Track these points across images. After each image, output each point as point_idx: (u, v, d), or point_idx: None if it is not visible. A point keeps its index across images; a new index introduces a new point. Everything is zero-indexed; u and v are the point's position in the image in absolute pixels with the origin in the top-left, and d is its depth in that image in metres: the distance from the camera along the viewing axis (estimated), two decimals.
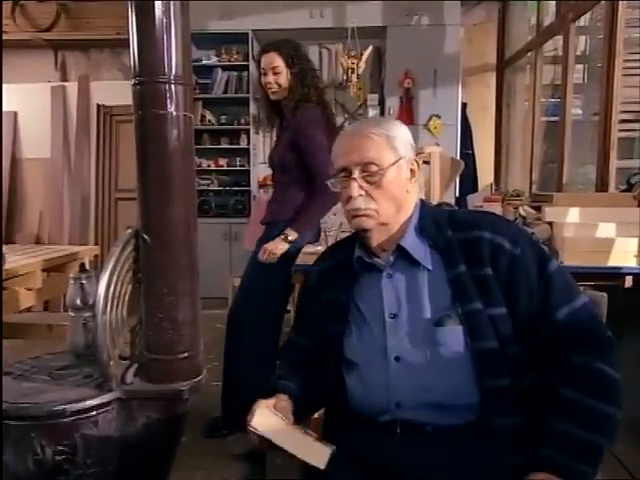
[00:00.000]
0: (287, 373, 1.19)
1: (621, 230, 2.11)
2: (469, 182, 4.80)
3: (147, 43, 1.30)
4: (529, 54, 4.63)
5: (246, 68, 4.97)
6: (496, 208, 2.62)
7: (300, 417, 1.11)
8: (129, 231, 1.39)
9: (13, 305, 2.45)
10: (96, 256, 3.35)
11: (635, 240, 2.07)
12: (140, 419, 1.36)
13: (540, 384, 1.02)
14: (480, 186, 4.94)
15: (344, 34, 4.41)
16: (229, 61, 5.02)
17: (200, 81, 4.97)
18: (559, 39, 3.95)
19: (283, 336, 2.33)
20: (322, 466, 0.98)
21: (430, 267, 1.10)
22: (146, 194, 1.35)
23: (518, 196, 3.08)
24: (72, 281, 1.51)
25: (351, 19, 4.53)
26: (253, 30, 4.83)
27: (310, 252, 2.15)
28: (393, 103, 4.74)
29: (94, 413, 1.30)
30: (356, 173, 1.10)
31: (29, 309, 2.81)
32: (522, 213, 2.43)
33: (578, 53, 4.89)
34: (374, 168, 1.09)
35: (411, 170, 1.15)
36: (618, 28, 2.93)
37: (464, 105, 4.92)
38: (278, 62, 2.22)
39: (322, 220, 2.43)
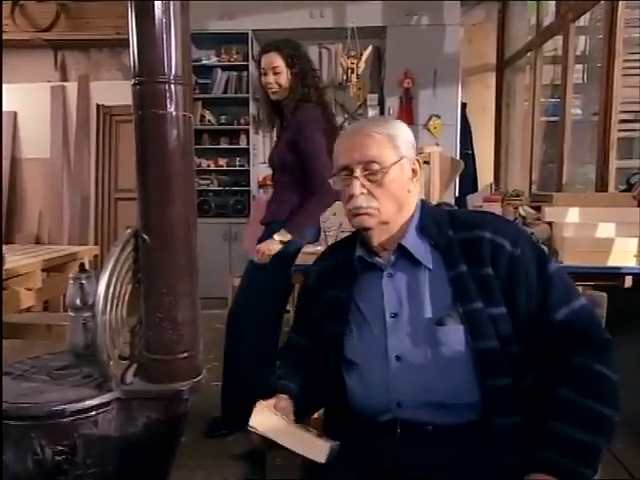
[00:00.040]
0: (287, 373, 1.19)
1: (621, 230, 2.11)
2: (469, 182, 4.80)
3: (147, 43, 1.30)
4: (529, 54, 4.64)
5: (246, 68, 4.97)
6: (496, 208, 2.62)
7: (300, 417, 1.11)
8: (129, 231, 1.39)
9: (13, 305, 2.44)
10: (96, 256, 3.35)
11: (635, 240, 2.07)
12: (140, 419, 1.36)
13: (539, 384, 1.02)
14: (480, 186, 4.94)
15: (344, 34, 4.41)
16: (229, 61, 5.02)
17: (200, 81, 4.98)
18: (559, 39, 3.95)
19: (283, 336, 2.33)
20: (322, 460, 0.98)
21: (431, 266, 1.10)
22: (146, 194, 1.35)
23: (518, 196, 3.08)
24: (72, 281, 1.51)
25: (351, 19, 4.53)
26: (253, 30, 4.83)
27: (310, 252, 2.15)
28: (393, 103, 4.74)
29: (94, 413, 1.30)
30: (358, 172, 1.10)
31: (29, 309, 2.81)
32: (522, 213, 2.43)
33: (578, 53, 4.89)
34: (376, 167, 1.09)
35: (413, 170, 1.15)
36: (618, 28, 2.94)
37: (464, 105, 4.92)
38: (278, 62, 2.22)
39: (322, 220, 2.44)
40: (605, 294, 1.21)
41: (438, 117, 4.69)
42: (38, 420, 1.26)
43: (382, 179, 1.10)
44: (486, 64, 5.21)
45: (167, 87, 1.31)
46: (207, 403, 2.30)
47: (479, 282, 1.05)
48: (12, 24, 4.97)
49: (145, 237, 1.35)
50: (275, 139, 2.48)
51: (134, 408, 1.35)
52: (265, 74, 2.26)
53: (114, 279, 1.33)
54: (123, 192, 5.00)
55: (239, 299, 2.32)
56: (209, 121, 5.09)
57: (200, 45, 4.96)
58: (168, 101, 1.31)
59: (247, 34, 4.84)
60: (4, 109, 4.57)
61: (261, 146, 5.31)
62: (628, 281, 2.04)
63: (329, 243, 2.09)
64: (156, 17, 1.28)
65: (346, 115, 5.11)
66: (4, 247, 2.56)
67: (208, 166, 5.11)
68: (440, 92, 4.67)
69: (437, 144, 3.53)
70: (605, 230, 2.13)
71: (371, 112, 4.87)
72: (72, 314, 1.50)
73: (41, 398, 1.30)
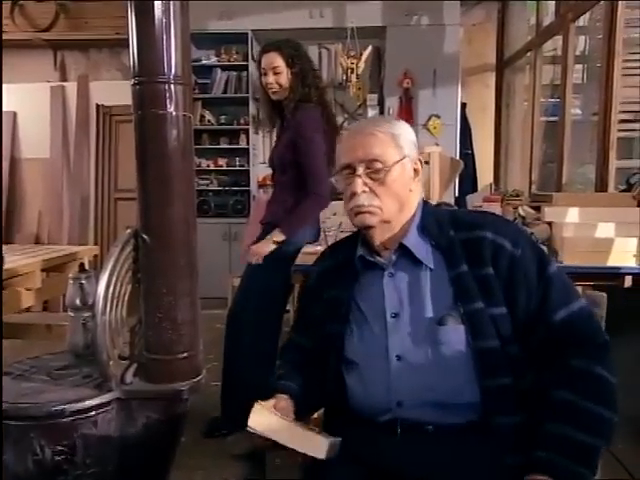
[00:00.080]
0: (287, 373, 1.19)
1: (620, 230, 2.12)
2: (468, 182, 4.80)
3: (146, 43, 1.30)
4: (528, 54, 4.64)
5: (245, 68, 4.97)
6: (495, 208, 2.62)
7: (301, 417, 1.11)
8: (128, 231, 1.39)
9: (13, 305, 2.44)
10: (95, 256, 3.35)
11: (634, 240, 2.07)
12: (140, 419, 1.36)
13: (539, 384, 1.02)
14: (479, 186, 4.95)
15: (344, 34, 4.42)
16: (228, 61, 5.02)
17: (199, 81, 4.98)
18: (558, 39, 3.95)
19: (282, 336, 2.33)
20: (322, 456, 0.98)
21: (432, 266, 1.10)
22: (145, 194, 1.35)
23: (517, 196, 3.08)
24: (71, 281, 1.51)
25: (351, 19, 4.54)
26: (252, 30, 4.83)
27: (309, 252, 2.15)
28: (392, 103, 4.74)
29: (93, 413, 1.30)
30: (360, 170, 1.10)
31: (28, 309, 2.81)
32: (521, 213, 2.43)
33: (577, 53, 4.89)
34: (378, 165, 1.10)
35: (415, 169, 1.15)
36: (617, 28, 2.94)
37: (463, 105, 4.92)
38: (279, 62, 2.22)
39: (321, 220, 2.44)
40: (605, 294, 1.21)
41: (438, 117, 4.69)
42: (38, 420, 1.26)
43: (384, 178, 1.10)
44: (486, 64, 5.21)
45: (167, 87, 1.30)
46: (207, 403, 2.30)
47: (480, 282, 1.06)
48: (12, 24, 4.96)
49: (145, 237, 1.35)
50: (275, 139, 2.48)
51: (134, 408, 1.35)
52: (265, 74, 2.26)
53: (114, 279, 1.33)
54: (123, 192, 5.00)
55: (239, 299, 2.32)
56: (209, 121, 5.09)
57: (200, 45, 4.96)
58: (168, 101, 1.31)
59: (247, 34, 4.84)
60: (4, 109, 4.57)
61: (261, 146, 5.31)
62: (628, 281, 2.04)
63: (329, 243, 2.09)
64: (156, 17, 1.28)
65: (346, 115, 5.11)
66: (4, 247, 2.56)
67: (208, 166, 5.11)
68: (440, 92, 4.67)
69: (437, 144, 3.53)
70: (605, 230, 2.13)
71: (371, 112, 4.87)
72: (72, 314, 1.50)
73: (41, 398, 1.30)
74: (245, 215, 4.85)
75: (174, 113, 1.32)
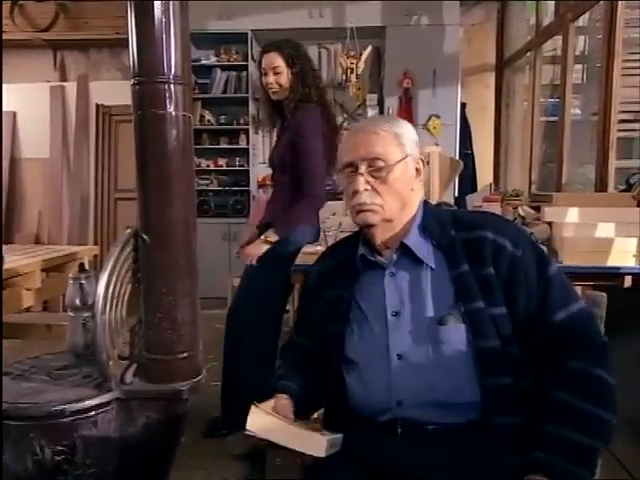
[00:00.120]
0: (287, 373, 1.19)
1: (620, 230, 2.12)
2: (468, 182, 4.80)
3: (146, 43, 1.30)
4: (528, 54, 4.64)
5: (245, 68, 4.97)
6: (495, 208, 2.62)
7: (301, 416, 1.11)
8: (128, 231, 1.39)
9: (13, 305, 2.44)
10: (95, 256, 3.35)
11: (634, 240, 2.07)
12: (139, 419, 1.36)
13: (538, 385, 1.02)
14: (479, 186, 4.95)
15: (343, 34, 4.42)
16: (228, 61, 5.02)
17: (199, 81, 4.98)
18: (558, 39, 3.95)
19: (282, 336, 2.33)
20: (322, 454, 0.98)
21: (433, 265, 1.10)
22: (145, 194, 1.35)
23: (517, 196, 3.08)
24: (71, 281, 1.51)
25: (350, 19, 4.53)
26: (252, 30, 4.83)
27: (309, 252, 2.15)
28: (392, 103, 4.74)
29: (93, 413, 1.30)
30: (362, 168, 1.10)
31: (28, 309, 2.81)
32: (521, 213, 2.43)
33: (577, 53, 4.89)
34: (381, 164, 1.10)
35: (417, 169, 1.16)
36: (617, 28, 2.94)
37: (463, 105, 4.92)
38: (279, 62, 2.22)
39: (321, 220, 2.44)
40: (604, 294, 1.21)
41: (437, 117, 4.69)
42: (38, 420, 1.26)
43: (386, 176, 1.10)
44: (485, 64, 5.21)
45: (166, 87, 1.30)
46: (207, 403, 2.30)
47: (481, 282, 1.06)
48: (11, 24, 4.96)
49: (145, 237, 1.35)
50: (275, 139, 2.48)
51: (134, 408, 1.35)
52: (266, 74, 2.26)
53: (114, 279, 1.33)
54: (123, 192, 5.00)
55: (239, 299, 2.33)
56: (208, 121, 5.09)
57: (199, 45, 4.96)
58: (167, 101, 1.31)
59: (246, 34, 4.84)
60: (3, 109, 4.57)
61: (261, 146, 5.31)
62: (627, 281, 2.04)
63: (329, 243, 2.09)
64: (155, 17, 1.28)
65: (345, 115, 5.11)
66: (3, 247, 2.56)
67: (208, 166, 5.11)
68: (439, 92, 4.67)
69: (436, 144, 3.54)
70: (604, 230, 2.13)
71: (370, 112, 4.87)
72: (72, 314, 1.50)
73: (41, 398, 1.30)
74: (245, 215, 4.85)
75: (174, 113, 1.32)
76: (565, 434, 0.94)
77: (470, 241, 1.10)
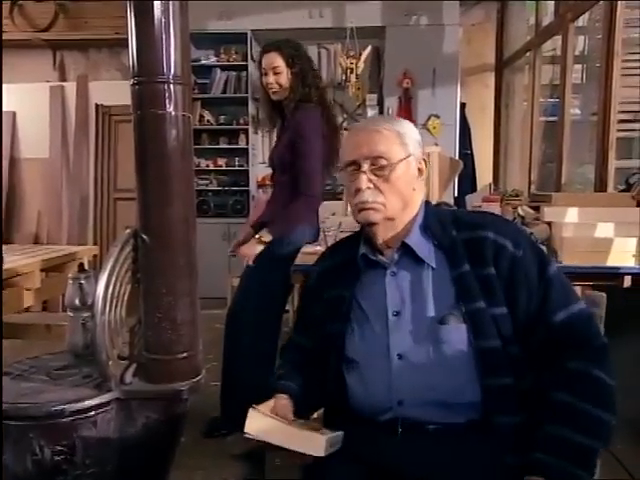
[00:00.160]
0: (287, 373, 1.19)
1: (620, 230, 2.12)
2: (468, 182, 4.80)
3: (146, 43, 1.30)
4: (528, 54, 4.64)
5: (245, 68, 4.97)
6: (495, 208, 2.62)
7: (301, 416, 1.11)
8: (128, 231, 1.39)
9: (13, 305, 2.44)
10: (95, 256, 3.34)
11: (634, 240, 2.07)
12: (139, 419, 1.36)
13: (537, 386, 1.02)
14: (479, 186, 4.95)
15: (343, 34, 4.41)
16: (228, 61, 5.02)
17: (199, 81, 4.98)
18: (558, 39, 3.95)
19: (282, 336, 2.33)
20: (321, 454, 0.98)
21: (434, 265, 1.10)
22: (145, 194, 1.35)
23: (517, 196, 3.09)
24: (71, 281, 1.50)
25: (350, 19, 4.53)
26: (252, 30, 4.83)
27: (309, 252, 2.15)
28: (392, 103, 4.74)
29: (93, 413, 1.29)
30: (365, 166, 1.11)
31: (28, 309, 2.81)
32: (521, 213, 2.43)
33: (577, 53, 4.88)
34: (383, 162, 1.10)
35: (419, 169, 1.16)
36: (617, 28, 2.94)
37: (463, 105, 4.92)
38: (279, 62, 2.22)
39: (321, 220, 2.44)
40: (604, 294, 1.21)
41: (437, 117, 4.69)
42: (37, 420, 1.26)
43: (389, 175, 1.10)
44: (485, 64, 5.21)
45: (166, 87, 1.30)
46: (206, 403, 2.30)
47: (482, 282, 1.06)
48: (11, 24, 4.96)
49: (144, 237, 1.35)
50: (275, 139, 2.48)
51: (133, 408, 1.35)
52: (266, 74, 2.26)
53: (113, 279, 1.33)
54: (122, 192, 5.00)
55: (238, 299, 2.32)
56: (208, 121, 5.08)
57: (199, 45, 4.95)
58: (167, 101, 1.31)
59: (246, 34, 4.84)
60: (3, 109, 4.57)
61: (260, 146, 5.31)
62: (627, 281, 2.04)
63: (328, 243, 2.09)
64: (155, 17, 1.28)
65: (345, 115, 5.11)
66: (3, 247, 2.56)
67: (207, 166, 5.11)
68: (439, 92, 4.67)
69: (436, 144, 3.54)
70: (604, 230, 2.13)
71: (370, 112, 4.87)
72: (71, 314, 1.50)
73: (40, 398, 1.30)
74: (244, 215, 4.85)
75: (173, 113, 1.32)
76: (564, 435, 0.94)
77: (471, 241, 1.10)
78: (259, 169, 5.20)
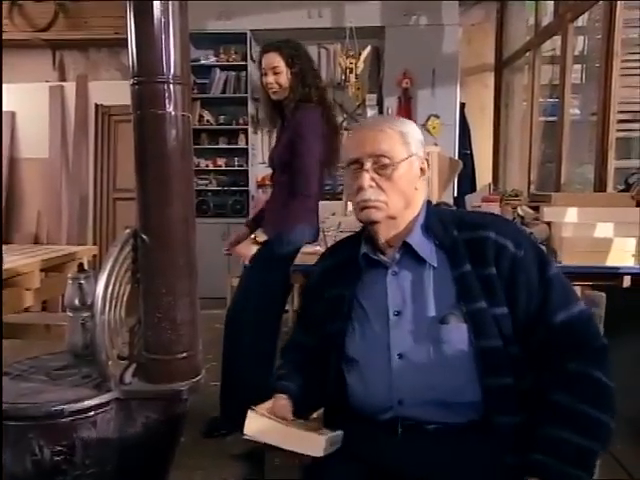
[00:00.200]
0: (288, 373, 1.19)
1: (619, 230, 2.12)
2: (467, 182, 4.80)
3: (145, 43, 1.30)
4: (527, 54, 4.64)
5: (244, 68, 4.97)
6: (494, 208, 2.62)
7: (300, 416, 1.11)
8: (127, 231, 1.39)
9: (13, 305, 2.44)
10: (94, 256, 3.34)
11: (633, 240, 2.07)
12: (139, 419, 1.36)
13: (537, 386, 1.02)
14: (478, 186, 4.95)
15: (342, 34, 4.41)
16: (227, 61, 5.02)
17: (198, 81, 4.97)
18: (557, 39, 3.96)
19: (282, 336, 2.33)
20: (320, 454, 0.98)
21: (435, 264, 1.10)
22: (144, 194, 1.35)
23: (516, 196, 3.09)
24: (70, 281, 1.50)
25: (349, 19, 4.53)
26: (251, 30, 4.84)
27: (309, 252, 2.15)
28: (391, 103, 4.74)
29: (92, 413, 1.29)
30: (368, 165, 1.11)
31: (27, 309, 2.80)
32: (520, 213, 2.43)
33: (576, 53, 4.87)
34: (386, 161, 1.10)
35: (421, 169, 1.16)
36: (616, 28, 2.94)
37: (462, 105, 4.92)
38: (278, 62, 2.22)
39: (321, 220, 2.44)
40: (604, 294, 1.21)
41: (437, 117, 4.69)
42: (37, 420, 1.26)
43: (392, 174, 1.11)
44: (485, 64, 5.21)
45: (166, 87, 1.31)
46: (206, 403, 2.30)
47: (483, 282, 1.06)
48: (10, 24, 4.97)
49: (144, 237, 1.35)
50: (275, 139, 2.48)
51: (133, 408, 1.35)
52: (265, 74, 2.26)
53: (113, 279, 1.33)
54: (122, 192, 4.99)
55: (238, 299, 2.32)
56: (208, 121, 5.08)
57: (198, 45, 4.95)
58: (167, 101, 1.31)
59: (245, 34, 4.84)
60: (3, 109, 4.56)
61: (260, 146, 5.31)
62: (626, 281, 2.05)
63: (328, 243, 2.09)
64: (155, 17, 1.28)
65: (345, 115, 5.11)
66: (3, 247, 2.56)
67: (207, 166, 5.11)
68: (439, 92, 4.67)
69: (436, 144, 3.54)
70: (603, 230, 2.13)
71: (370, 112, 4.87)
72: (71, 314, 1.50)
73: (40, 398, 1.30)
74: (244, 215, 4.85)
75: (173, 113, 1.32)
76: (563, 436, 0.94)
77: (472, 241, 1.10)
78: (259, 169, 5.20)
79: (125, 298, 1.39)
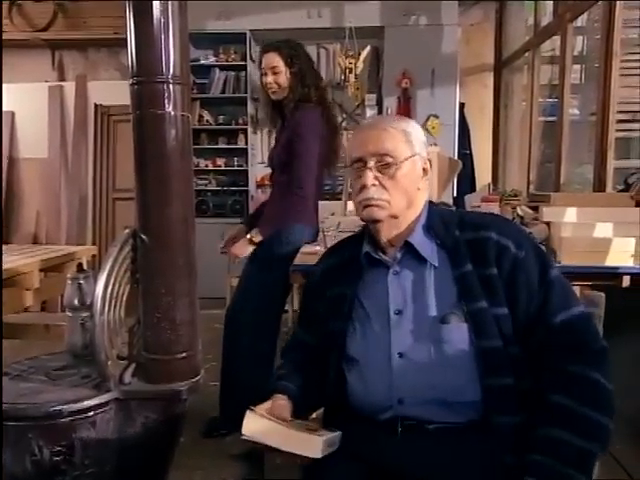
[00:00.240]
0: (288, 373, 1.19)
1: (618, 230, 2.12)
2: (467, 182, 4.80)
3: (145, 43, 1.30)
4: (527, 54, 4.64)
5: (244, 68, 4.97)
6: (494, 208, 2.62)
7: (300, 416, 1.11)
8: (127, 231, 1.39)
9: (13, 305, 2.44)
10: (94, 256, 3.34)
11: (632, 240, 2.07)
12: (138, 419, 1.36)
13: (536, 387, 1.02)
14: (478, 186, 4.95)
15: (342, 34, 4.41)
16: (227, 61, 5.02)
17: (198, 81, 4.97)
18: (557, 39, 3.96)
19: (281, 336, 2.33)
20: (318, 455, 0.98)
21: (437, 264, 1.11)
22: (144, 194, 1.35)
23: (516, 196, 3.09)
24: (70, 281, 1.50)
25: (349, 19, 4.53)
26: (251, 30, 4.83)
27: (308, 252, 2.15)
28: (391, 103, 4.74)
29: (92, 413, 1.29)
30: (371, 163, 1.11)
31: (26, 309, 2.80)
32: (520, 213, 2.43)
33: (575, 53, 4.87)
34: (389, 160, 1.11)
35: (424, 169, 1.17)
36: (615, 28, 2.94)
37: (462, 105, 4.92)
38: (277, 62, 2.23)
39: (320, 220, 2.44)
40: (603, 294, 1.22)
41: (436, 117, 4.69)
42: (36, 420, 1.26)
43: (395, 173, 1.11)
44: (484, 64, 5.21)
45: (165, 87, 1.30)
46: (205, 403, 2.30)
47: (484, 282, 1.06)
48: (10, 24, 4.96)
49: (143, 237, 1.35)
50: (275, 139, 2.48)
51: (132, 408, 1.35)
52: (265, 74, 2.26)
53: (112, 279, 1.33)
54: (121, 192, 4.99)
55: (237, 299, 2.32)
56: (207, 121, 5.08)
57: (198, 45, 4.95)
58: (166, 101, 1.31)
59: (245, 34, 4.84)
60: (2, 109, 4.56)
61: (259, 146, 5.31)
62: (626, 281, 2.04)
63: (328, 243, 2.09)
64: (154, 17, 1.28)
65: (344, 115, 5.11)
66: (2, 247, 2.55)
67: (206, 166, 5.11)
68: (438, 92, 4.67)
69: (435, 144, 3.54)
70: (603, 230, 2.13)
71: (369, 112, 4.87)
72: (70, 314, 1.50)
73: (39, 398, 1.30)
74: (244, 215, 4.85)
75: (172, 113, 1.31)
76: (562, 437, 0.94)
77: (474, 241, 1.10)
78: (258, 169, 5.20)
79: (124, 298, 1.39)
